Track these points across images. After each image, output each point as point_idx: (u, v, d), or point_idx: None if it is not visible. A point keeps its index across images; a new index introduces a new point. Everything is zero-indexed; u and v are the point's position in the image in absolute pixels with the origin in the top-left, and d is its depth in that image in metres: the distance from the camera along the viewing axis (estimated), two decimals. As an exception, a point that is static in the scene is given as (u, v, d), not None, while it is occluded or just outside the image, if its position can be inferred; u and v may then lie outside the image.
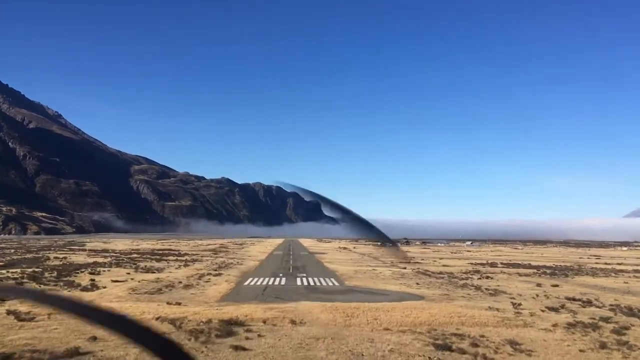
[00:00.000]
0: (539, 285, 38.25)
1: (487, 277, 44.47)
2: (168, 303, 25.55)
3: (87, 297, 28.10)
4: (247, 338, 17.63)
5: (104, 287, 32.68)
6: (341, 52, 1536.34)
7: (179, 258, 68.40)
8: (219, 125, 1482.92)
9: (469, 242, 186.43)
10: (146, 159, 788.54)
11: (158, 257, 70.87)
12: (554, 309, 25.43)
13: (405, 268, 54.02)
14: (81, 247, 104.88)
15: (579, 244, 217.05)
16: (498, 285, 37.20)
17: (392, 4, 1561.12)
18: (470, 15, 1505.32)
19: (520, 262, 71.01)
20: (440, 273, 48.52)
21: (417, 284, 37.92)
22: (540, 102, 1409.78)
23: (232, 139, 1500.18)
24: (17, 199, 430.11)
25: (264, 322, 20.50)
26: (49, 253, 76.33)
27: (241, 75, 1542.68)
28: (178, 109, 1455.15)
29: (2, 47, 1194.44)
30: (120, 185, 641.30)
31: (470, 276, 45.67)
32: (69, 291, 31.16)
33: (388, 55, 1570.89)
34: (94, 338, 16.30)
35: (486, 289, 34.82)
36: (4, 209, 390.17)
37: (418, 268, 54.85)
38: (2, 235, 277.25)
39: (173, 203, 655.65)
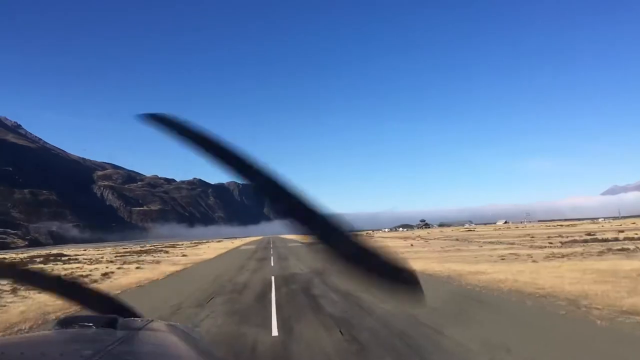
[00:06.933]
0: None
1: None
2: None
3: None
4: None
5: None
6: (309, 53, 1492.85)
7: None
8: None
9: (502, 221, 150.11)
10: (112, 164, 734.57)
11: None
12: None
13: None
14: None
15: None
16: None
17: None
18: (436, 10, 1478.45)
19: None
20: None
21: None
22: (512, 89, 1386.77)
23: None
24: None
25: None
26: None
27: (208, 74, 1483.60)
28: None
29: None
30: (82, 192, 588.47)
31: None
32: None
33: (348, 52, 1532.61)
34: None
35: None
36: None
37: None
38: None
39: (141, 208, 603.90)
